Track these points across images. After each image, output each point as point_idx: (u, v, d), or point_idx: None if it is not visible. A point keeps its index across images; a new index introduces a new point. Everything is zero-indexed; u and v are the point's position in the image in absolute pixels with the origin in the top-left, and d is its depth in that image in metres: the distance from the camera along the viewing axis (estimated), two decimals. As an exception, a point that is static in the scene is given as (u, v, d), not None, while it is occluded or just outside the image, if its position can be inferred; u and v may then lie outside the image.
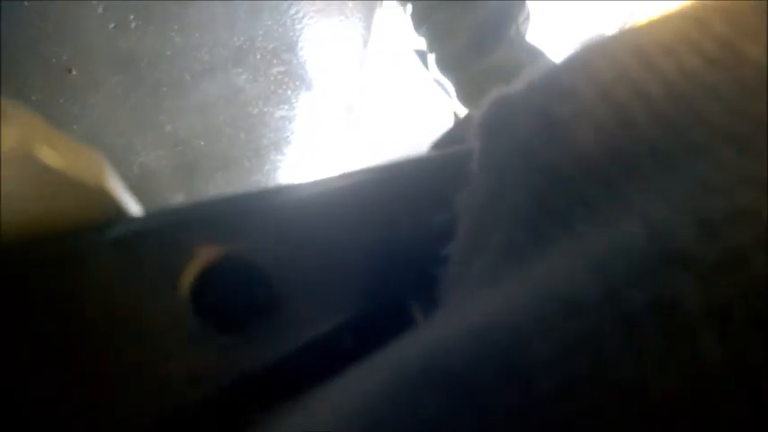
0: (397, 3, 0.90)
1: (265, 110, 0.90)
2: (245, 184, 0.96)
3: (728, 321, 0.09)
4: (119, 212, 0.17)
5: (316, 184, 0.18)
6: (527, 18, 0.82)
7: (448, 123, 0.92)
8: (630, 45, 0.14)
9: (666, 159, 0.12)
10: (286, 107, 0.92)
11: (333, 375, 0.15)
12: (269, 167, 0.98)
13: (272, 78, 0.88)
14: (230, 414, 0.17)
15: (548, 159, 0.13)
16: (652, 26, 0.14)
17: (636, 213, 0.11)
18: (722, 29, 0.13)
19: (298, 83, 0.90)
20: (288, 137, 0.96)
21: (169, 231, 0.17)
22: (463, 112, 0.81)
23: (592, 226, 0.11)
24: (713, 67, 0.13)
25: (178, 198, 0.90)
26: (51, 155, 0.15)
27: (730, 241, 0.09)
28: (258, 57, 0.84)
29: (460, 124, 0.23)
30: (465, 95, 0.81)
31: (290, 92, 0.91)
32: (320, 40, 0.88)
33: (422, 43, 0.85)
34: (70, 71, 0.70)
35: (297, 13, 0.84)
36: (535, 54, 0.79)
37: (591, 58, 0.14)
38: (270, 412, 0.16)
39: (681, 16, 0.14)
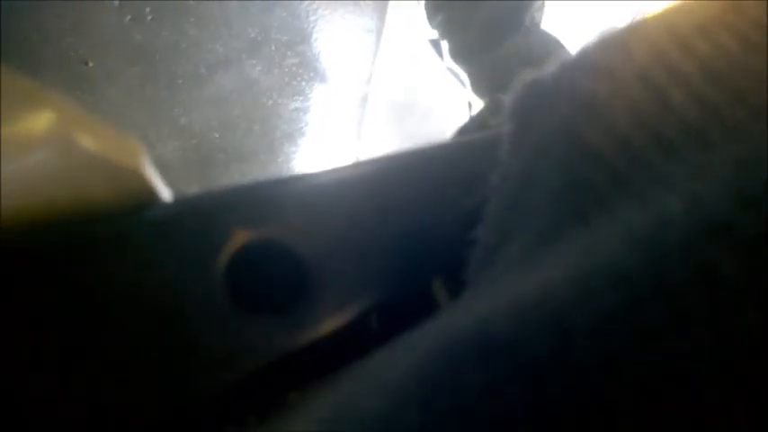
0: (411, -7, 0.90)
1: (279, 101, 0.91)
2: (260, 175, 0.96)
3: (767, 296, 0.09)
4: (152, 196, 0.17)
5: (346, 169, 0.19)
6: (541, 6, 0.82)
7: (462, 114, 0.92)
8: (666, 27, 0.14)
9: (705, 138, 0.12)
10: (300, 99, 0.92)
11: (361, 356, 0.15)
12: (283, 159, 0.98)
13: (287, 70, 0.88)
14: (263, 394, 0.17)
15: (586, 139, 0.13)
16: (687, 8, 0.14)
17: (675, 189, 0.11)
18: (757, 12, 0.13)
19: (312, 74, 0.90)
20: (302, 128, 0.96)
21: (204, 215, 0.17)
22: (478, 101, 0.81)
23: (632, 203, 0.11)
24: (749, 48, 0.13)
25: (193, 190, 0.90)
26: (88, 138, 0.15)
27: None
28: (272, 48, 0.85)
29: (485, 110, 0.23)
30: (480, 85, 0.81)
31: (304, 83, 0.91)
32: (334, 32, 0.88)
33: (436, 34, 0.85)
34: (87, 63, 0.71)
35: (311, 5, 0.84)
36: (550, 42, 0.79)
37: (626, 39, 0.14)
38: (302, 391, 0.17)
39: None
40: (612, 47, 0.14)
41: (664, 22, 0.14)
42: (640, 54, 0.13)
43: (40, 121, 0.14)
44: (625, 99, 0.13)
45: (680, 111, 0.12)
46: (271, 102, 0.90)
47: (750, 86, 0.12)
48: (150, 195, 0.17)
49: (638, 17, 0.14)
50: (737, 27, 0.13)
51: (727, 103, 0.12)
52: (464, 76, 0.83)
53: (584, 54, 0.14)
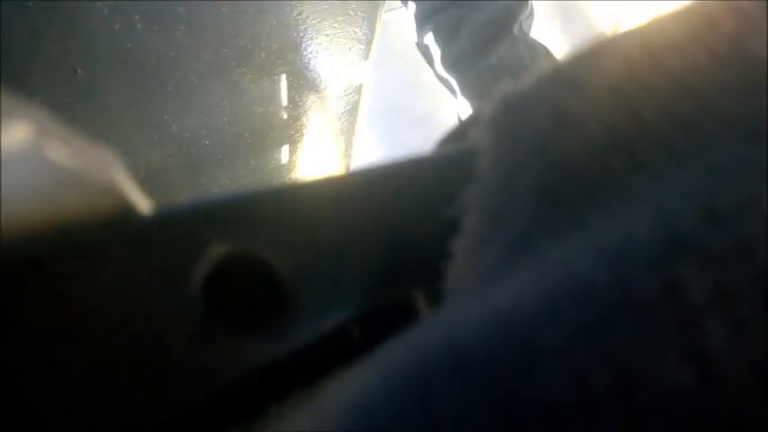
0: (401, 3, 0.91)
1: (270, 109, 0.91)
2: (250, 183, 0.96)
3: (736, 310, 0.09)
4: (129, 209, 0.17)
5: (324, 181, 0.19)
6: (530, 15, 0.82)
7: (452, 121, 0.92)
8: (639, 42, 0.14)
9: (675, 152, 0.12)
10: (290, 107, 0.92)
11: (342, 367, 0.15)
12: (273, 166, 0.98)
13: (276, 78, 0.88)
14: (240, 407, 0.17)
15: (559, 154, 0.13)
16: (660, 24, 0.14)
17: (645, 204, 0.11)
18: (730, 26, 0.13)
19: (302, 82, 0.90)
20: (292, 136, 0.96)
21: (180, 228, 0.17)
22: (467, 109, 0.82)
23: (602, 217, 0.12)
24: (721, 62, 0.13)
25: (183, 197, 0.90)
26: (61, 152, 0.15)
27: (739, 230, 0.09)
28: (263, 57, 0.84)
29: (467, 121, 0.24)
30: (470, 93, 0.81)
31: (294, 91, 0.91)
32: (324, 41, 0.88)
33: (427, 41, 0.86)
34: (76, 71, 0.71)
35: (300, 14, 0.84)
36: (539, 51, 0.79)
37: (600, 54, 0.14)
38: (281, 403, 0.17)
39: (689, 14, 0.14)
40: (586, 61, 0.14)
41: (637, 38, 0.14)
42: (613, 69, 0.13)
43: (12, 136, 0.14)
44: (597, 113, 0.13)
45: (651, 125, 0.12)
46: (261, 110, 0.90)
47: (721, 101, 0.12)
48: (127, 208, 0.17)
49: (613, 31, 0.15)
50: (709, 42, 0.13)
51: (698, 116, 0.12)
52: (454, 84, 0.83)
53: (559, 68, 0.14)
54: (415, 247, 0.19)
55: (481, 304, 0.12)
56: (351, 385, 0.13)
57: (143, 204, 0.17)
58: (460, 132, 0.24)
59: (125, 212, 0.17)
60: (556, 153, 0.13)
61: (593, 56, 0.14)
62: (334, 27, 0.87)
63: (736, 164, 0.11)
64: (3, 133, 0.14)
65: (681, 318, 0.09)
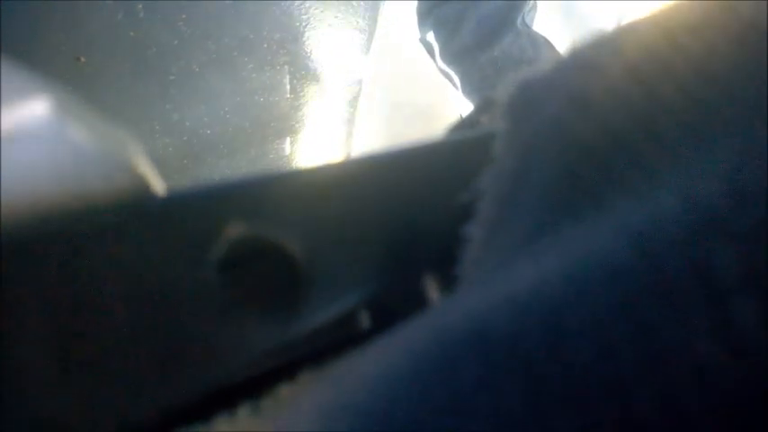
0: (403, -6, 0.90)
1: (271, 99, 0.90)
2: (251, 172, 0.96)
3: (764, 287, 0.09)
4: (146, 189, 0.17)
5: (339, 165, 0.19)
6: (533, 7, 0.82)
7: (454, 114, 0.92)
8: (658, 26, 0.14)
9: (698, 134, 0.12)
10: (291, 97, 0.92)
11: (353, 349, 0.16)
12: (274, 156, 0.98)
13: (278, 68, 0.88)
14: (252, 386, 0.17)
15: (579, 136, 0.13)
16: (679, 9, 0.14)
17: (669, 184, 0.11)
18: (747, 10, 0.13)
19: (303, 72, 0.90)
20: (293, 126, 0.96)
21: (196, 209, 0.17)
22: (469, 103, 0.82)
23: (626, 199, 0.12)
24: (739, 46, 0.13)
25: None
26: (81, 131, 0.15)
27: (764, 210, 0.10)
28: (264, 47, 0.84)
29: (479, 108, 0.24)
30: (471, 86, 0.81)
31: (295, 81, 0.91)
32: (326, 31, 0.88)
33: (428, 35, 0.86)
34: (79, 60, 0.71)
35: (303, 3, 0.84)
36: (542, 44, 0.79)
37: (619, 38, 0.14)
38: (293, 383, 0.17)
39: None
40: (604, 45, 0.14)
41: (655, 22, 0.14)
42: (632, 52, 0.13)
43: (31, 113, 0.14)
44: (617, 96, 0.13)
45: (672, 107, 0.12)
46: (262, 99, 0.90)
47: (739, 83, 0.12)
48: (144, 188, 0.17)
49: (628, 18, 0.15)
50: (730, 27, 0.13)
51: (720, 100, 0.12)
52: (456, 77, 0.83)
53: (577, 52, 0.14)
54: (427, 232, 0.19)
55: (502, 286, 0.12)
56: (368, 368, 0.13)
57: (159, 185, 0.17)
58: (470, 121, 0.24)
59: (142, 192, 0.17)
60: (574, 135, 0.13)
61: (610, 40, 0.14)
62: (336, 18, 0.86)
63: (758, 146, 0.11)
64: (23, 111, 0.14)
65: (710, 295, 0.09)
